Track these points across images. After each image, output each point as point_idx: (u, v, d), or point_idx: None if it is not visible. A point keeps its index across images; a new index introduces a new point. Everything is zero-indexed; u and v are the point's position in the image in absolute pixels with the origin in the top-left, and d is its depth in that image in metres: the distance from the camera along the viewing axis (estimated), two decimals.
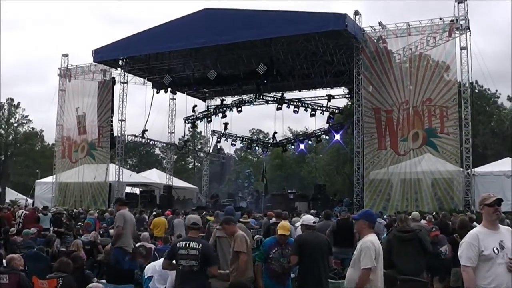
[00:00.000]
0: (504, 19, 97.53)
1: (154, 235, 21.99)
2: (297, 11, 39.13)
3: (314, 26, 36.00)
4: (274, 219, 19.27)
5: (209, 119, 54.92)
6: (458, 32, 33.83)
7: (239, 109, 51.67)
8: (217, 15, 39.19)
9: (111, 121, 45.65)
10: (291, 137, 64.87)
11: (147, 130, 48.15)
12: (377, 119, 36.00)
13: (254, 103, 52.25)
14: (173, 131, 54.04)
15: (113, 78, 46.14)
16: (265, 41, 38.65)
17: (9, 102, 79.62)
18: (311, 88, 49.54)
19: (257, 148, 69.53)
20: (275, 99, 50.34)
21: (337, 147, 58.91)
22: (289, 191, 48.47)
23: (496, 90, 62.27)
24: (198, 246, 9.64)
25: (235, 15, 39.29)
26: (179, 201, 47.25)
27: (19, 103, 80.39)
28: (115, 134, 45.82)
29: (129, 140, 49.81)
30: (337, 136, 50.16)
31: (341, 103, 51.20)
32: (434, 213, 25.91)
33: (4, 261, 12.22)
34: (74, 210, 35.96)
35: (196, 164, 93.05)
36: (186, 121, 54.18)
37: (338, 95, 49.17)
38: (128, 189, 50.42)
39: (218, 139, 57.17)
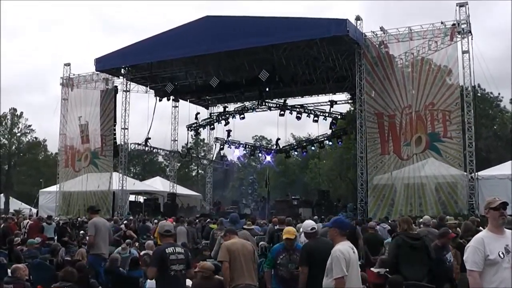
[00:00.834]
0: (506, 21, 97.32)
1: (158, 243, 21.95)
2: (299, 17, 39.28)
3: (316, 32, 36.02)
4: (277, 226, 19.25)
5: (212, 126, 54.93)
6: (459, 36, 33.80)
7: (242, 116, 51.71)
8: (219, 23, 39.19)
9: (114, 130, 45.67)
10: (294, 143, 64.89)
11: (150, 138, 48.18)
12: (380, 124, 35.99)
13: (256, 109, 52.28)
14: (176, 138, 54.03)
15: (115, 86, 46.21)
16: (267, 48, 38.62)
17: (12, 112, 79.75)
18: (313, 94, 49.52)
19: (260, 154, 69.48)
20: (278, 105, 50.35)
21: (341, 152, 58.92)
22: (292, 197, 48.40)
23: (499, 94, 62.27)
24: (182, 250, 10.01)
25: (237, 22, 39.32)
26: (183, 209, 47.25)
27: (22, 112, 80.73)
28: (118, 142, 45.88)
29: (132, 148, 49.83)
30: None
31: (344, 108, 51.32)
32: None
33: (9, 271, 12.24)
34: (78, 219, 35.93)
35: (200, 171, 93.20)
36: (189, 129, 54.21)
37: (340, 101, 49.23)
38: (132, 197, 50.48)
39: (221, 146, 57.19)
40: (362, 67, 36.39)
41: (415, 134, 34.45)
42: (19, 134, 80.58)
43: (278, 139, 56.86)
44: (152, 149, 51.90)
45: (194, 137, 57.84)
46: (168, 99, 47.89)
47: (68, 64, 48.30)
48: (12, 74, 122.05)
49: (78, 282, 10.90)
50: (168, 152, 55.43)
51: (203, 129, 55.56)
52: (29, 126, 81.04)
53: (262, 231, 21.35)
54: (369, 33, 36.65)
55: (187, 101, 52.14)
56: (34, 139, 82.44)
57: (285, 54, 39.02)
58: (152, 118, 45.86)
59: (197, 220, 28.80)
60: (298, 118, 49.18)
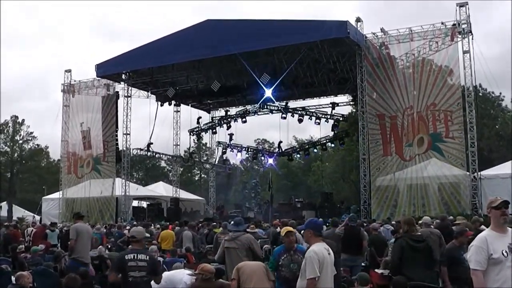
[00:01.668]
0: (506, 21, 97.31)
1: (162, 248, 21.97)
2: (299, 20, 39.23)
3: (317, 35, 36.02)
4: (278, 228, 19.29)
5: (214, 130, 54.87)
6: (460, 36, 33.78)
7: (244, 119, 51.70)
8: (219, 26, 39.17)
9: (116, 135, 45.71)
10: (297, 146, 64.91)
11: (152, 143, 48.14)
12: (382, 125, 35.98)
13: (258, 113, 52.29)
14: (178, 143, 54.01)
15: (117, 92, 46.18)
16: (268, 51, 38.68)
17: (14, 120, 79.77)
18: (315, 96, 49.43)
19: (263, 158, 69.50)
20: (279, 108, 50.34)
21: (343, 154, 58.91)
22: (296, 200, 48.46)
23: (500, 93, 62.37)
24: (146, 257, 9.90)
25: (237, 25, 39.33)
26: (187, 213, 47.18)
27: (23, 120, 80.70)
28: (120, 148, 45.89)
29: (135, 153, 49.85)
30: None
31: (346, 110, 51.29)
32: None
33: (13, 278, 12.23)
34: None
35: (203, 175, 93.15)
36: (191, 133, 54.30)
37: (342, 103, 49.19)
38: (135, 203, 50.46)
39: (224, 150, 57.18)
40: (363, 68, 36.36)
41: (417, 135, 34.44)
42: (21, 142, 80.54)
43: (280, 142, 56.90)
44: (154, 154, 51.91)
45: (196, 141, 58.05)
46: (170, 104, 48.03)
47: (69, 71, 48.23)
48: (12, 81, 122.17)
49: None
50: (170, 157, 55.44)
51: (205, 133, 55.50)
52: (31, 133, 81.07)
53: (266, 235, 21.36)
54: (370, 34, 36.65)
55: (188, 105, 52.27)
56: (36, 146, 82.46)
57: (286, 56, 39.01)
58: (154, 123, 45.91)
59: (200, 225, 28.77)
60: (300, 120, 49.18)
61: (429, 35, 34.64)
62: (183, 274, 11.76)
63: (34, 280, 13.13)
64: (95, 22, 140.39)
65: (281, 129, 51.94)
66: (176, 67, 43.21)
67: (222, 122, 53.48)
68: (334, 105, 47.64)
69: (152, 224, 32.07)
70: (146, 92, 48.17)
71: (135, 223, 34.29)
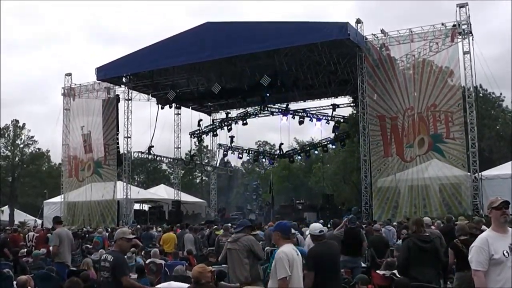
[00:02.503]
0: (506, 21, 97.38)
1: (164, 250, 21.97)
2: (300, 22, 39.32)
3: (317, 36, 36.04)
4: None
5: (215, 132, 54.95)
6: (460, 37, 33.80)
7: (245, 121, 51.73)
8: (219, 29, 39.21)
9: (117, 139, 45.68)
10: (298, 148, 64.92)
11: (153, 146, 48.20)
12: (382, 127, 35.99)
13: (259, 115, 52.31)
14: (179, 146, 54.04)
15: (117, 95, 46.20)
16: (268, 53, 38.67)
17: (14, 124, 79.72)
18: (315, 98, 49.45)
19: (264, 160, 69.49)
20: (280, 110, 50.34)
21: (344, 156, 58.87)
22: (297, 201, 48.50)
23: (501, 94, 62.25)
24: (110, 258, 9.86)
25: (237, 28, 39.39)
26: (188, 216, 47.21)
27: (24, 124, 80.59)
28: (121, 151, 45.87)
29: (136, 156, 49.91)
30: None
31: (346, 112, 51.27)
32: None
33: (14, 283, 12.24)
34: (84, 229, 35.93)
35: (204, 178, 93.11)
36: (192, 136, 54.30)
37: (343, 104, 49.23)
38: (137, 206, 50.50)
39: (225, 153, 57.16)
40: (363, 70, 36.39)
41: (417, 136, 34.45)
42: (22, 146, 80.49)
43: (281, 144, 56.87)
44: (155, 157, 51.94)
45: (197, 144, 57.83)
46: (170, 107, 48.03)
47: (69, 74, 48.23)
48: (13, 85, 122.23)
49: None
50: (171, 160, 55.41)
51: (206, 135, 55.62)
52: (32, 137, 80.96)
53: (264, 236, 21.33)
54: (370, 35, 36.70)
55: (189, 108, 52.28)
56: (37, 150, 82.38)
57: (286, 58, 39.03)
58: (154, 126, 46.03)
59: (201, 227, 28.78)
60: (301, 122, 49.23)
61: (429, 36, 34.68)
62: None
63: (36, 284, 13.14)
64: (94, 25, 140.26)
65: (282, 131, 52.00)
66: (177, 69, 43.16)
67: (223, 124, 53.55)
68: (334, 106, 47.62)
69: (154, 227, 32.11)
70: (146, 95, 48.23)
71: (138, 226, 34.32)
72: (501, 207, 6.91)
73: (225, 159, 61.55)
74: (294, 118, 49.52)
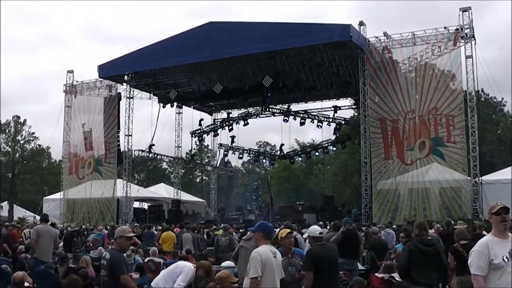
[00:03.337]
0: (507, 25, 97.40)
1: (163, 249, 21.97)
2: (302, 23, 39.27)
3: (319, 38, 36.04)
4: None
5: (216, 132, 54.97)
6: (463, 41, 33.80)
7: (246, 122, 51.72)
8: (222, 29, 39.19)
9: (118, 137, 45.71)
10: (298, 149, 64.90)
11: (154, 145, 48.15)
12: (383, 129, 35.98)
13: (260, 115, 52.28)
14: (180, 145, 54.09)
15: (119, 93, 46.19)
16: (270, 54, 38.69)
17: (15, 120, 79.66)
18: (317, 100, 49.56)
19: (264, 160, 69.45)
20: (282, 111, 50.32)
21: (345, 158, 58.86)
22: (297, 203, 48.51)
23: (502, 98, 62.16)
24: (108, 256, 9.87)
25: (240, 28, 39.38)
26: (188, 215, 47.17)
27: (25, 120, 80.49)
28: (122, 149, 45.81)
29: (136, 155, 49.79)
30: None
31: (348, 114, 51.27)
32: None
33: (12, 278, 12.24)
34: (83, 226, 35.89)
35: (204, 177, 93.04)
36: (193, 135, 54.26)
37: (344, 106, 49.25)
38: (136, 204, 50.45)
39: (225, 152, 57.15)
40: (365, 72, 36.38)
41: (418, 139, 34.45)
42: (22, 142, 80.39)
43: (282, 144, 56.73)
44: (156, 155, 51.89)
45: (198, 143, 57.77)
46: (172, 106, 47.93)
47: (71, 71, 48.23)
48: (14, 82, 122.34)
49: None
50: (172, 159, 55.36)
51: (207, 135, 55.57)
52: (33, 133, 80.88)
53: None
54: (373, 38, 36.69)
55: (190, 107, 52.23)
56: (37, 146, 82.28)
57: (288, 59, 39.06)
58: (155, 125, 46.00)
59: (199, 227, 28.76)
60: (302, 123, 49.22)
61: (432, 39, 34.68)
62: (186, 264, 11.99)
63: (35, 281, 13.13)
64: (94, 25, 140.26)
65: (283, 132, 51.94)
66: (179, 69, 43.18)
67: (224, 124, 53.55)
68: (336, 108, 47.68)
69: (154, 226, 32.12)
70: (148, 94, 48.17)
71: (136, 224, 34.29)
72: (501, 212, 6.90)
73: (226, 159, 61.56)
74: (295, 119, 49.52)
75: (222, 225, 25.01)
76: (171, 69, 43.00)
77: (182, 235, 23.18)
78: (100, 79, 45.64)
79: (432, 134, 34.20)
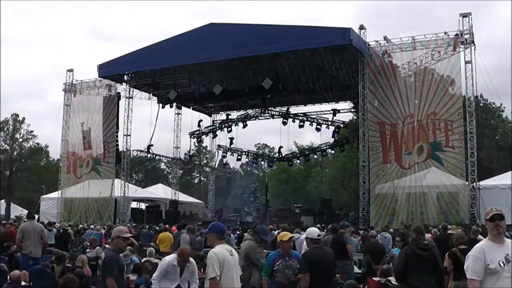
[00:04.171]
0: (507, 31, 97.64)
1: (160, 250, 21.96)
2: (303, 26, 39.19)
3: (320, 41, 36.06)
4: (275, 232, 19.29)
5: (215, 134, 54.92)
6: (462, 46, 33.81)
7: (245, 123, 51.73)
8: (222, 30, 39.20)
9: (117, 136, 45.70)
10: (297, 152, 64.95)
11: (152, 145, 48.13)
12: (382, 133, 36.01)
13: (259, 117, 52.26)
14: (178, 146, 54.03)
15: (118, 93, 46.18)
16: (271, 56, 38.68)
17: (14, 118, 79.64)
18: (316, 103, 49.50)
19: (262, 162, 69.51)
20: (281, 113, 50.33)
21: (343, 161, 58.91)
22: (295, 205, 48.54)
23: (501, 104, 62.39)
24: (103, 256, 9.90)
25: (240, 30, 39.41)
26: (185, 216, 47.14)
27: (24, 118, 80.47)
28: (120, 149, 45.83)
29: (135, 155, 49.82)
30: None
31: (347, 117, 51.29)
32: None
33: (8, 277, 12.25)
34: (80, 225, 35.86)
35: (202, 179, 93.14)
36: (192, 136, 54.26)
37: (343, 109, 49.17)
38: (134, 204, 50.43)
39: (224, 154, 57.17)
40: (365, 76, 36.38)
41: (417, 143, 34.47)
42: (21, 140, 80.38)
43: (281, 147, 56.78)
44: (154, 156, 51.88)
45: (196, 144, 57.72)
46: (171, 106, 47.91)
47: (71, 70, 48.23)
48: (13, 80, 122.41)
49: None
50: (170, 159, 55.39)
51: (206, 136, 55.54)
52: (31, 132, 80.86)
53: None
54: (373, 42, 36.73)
55: (190, 108, 52.28)
56: (36, 145, 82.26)
57: (288, 62, 39.06)
58: (154, 125, 45.93)
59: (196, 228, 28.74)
60: (301, 126, 49.28)
61: (432, 44, 34.68)
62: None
63: (31, 280, 13.14)
64: (94, 24, 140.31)
65: (281, 134, 51.94)
66: (178, 69, 43.17)
67: (223, 125, 53.57)
68: (335, 111, 47.67)
69: (149, 227, 32.10)
70: (147, 94, 48.22)
71: (134, 224, 34.29)
72: (494, 219, 6.93)
73: (224, 160, 61.60)
74: (294, 122, 49.50)
75: None
76: (171, 69, 42.99)
77: (180, 236, 23.19)
78: (100, 78, 45.61)
79: (430, 139, 34.21)
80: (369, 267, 16.87)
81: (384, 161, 35.71)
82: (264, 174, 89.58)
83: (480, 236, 15.17)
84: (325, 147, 53.15)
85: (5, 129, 79.14)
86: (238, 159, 58.61)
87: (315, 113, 49.73)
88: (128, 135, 45.35)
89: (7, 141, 79.75)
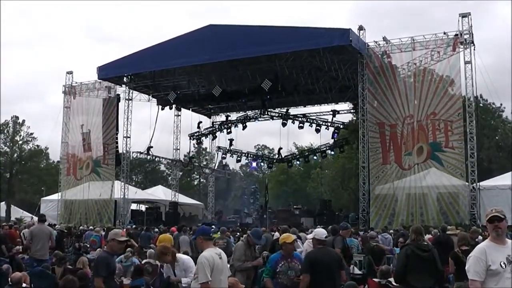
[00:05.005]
0: (507, 31, 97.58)
1: None
2: (302, 27, 39.19)
3: (319, 42, 36.06)
4: (277, 234, 19.29)
5: (214, 135, 54.90)
6: (462, 47, 33.81)
7: (244, 125, 51.75)
8: (222, 32, 39.24)
9: (116, 138, 45.69)
10: (297, 153, 64.94)
11: (152, 147, 48.09)
12: (382, 134, 36.01)
13: (259, 119, 52.25)
14: (178, 147, 53.94)
15: (118, 95, 46.20)
16: (270, 57, 38.68)
17: (14, 120, 79.55)
18: (316, 104, 49.46)
19: (262, 164, 69.50)
20: (280, 114, 50.32)
21: (343, 162, 58.89)
22: (294, 206, 48.49)
23: (501, 104, 62.39)
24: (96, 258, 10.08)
25: (240, 31, 39.42)
26: (185, 218, 47.09)
27: (23, 120, 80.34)
28: (120, 151, 45.81)
29: (134, 157, 49.86)
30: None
31: (346, 118, 51.30)
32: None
33: (9, 279, 12.26)
34: (80, 227, 35.86)
35: (202, 180, 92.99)
36: (191, 138, 54.23)
37: (343, 110, 49.26)
38: (134, 206, 50.40)
39: (223, 155, 57.16)
40: (364, 77, 36.38)
41: (416, 144, 34.46)
42: (20, 142, 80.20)
43: (280, 148, 56.77)
44: (154, 157, 51.79)
45: (196, 146, 57.76)
46: (171, 108, 47.98)
47: (70, 72, 48.28)
48: (13, 82, 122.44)
49: None
50: (170, 161, 55.29)
51: (205, 138, 55.56)
52: (31, 134, 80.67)
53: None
54: (372, 43, 36.72)
55: (189, 110, 52.30)
56: (36, 147, 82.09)
57: (287, 63, 39.08)
58: (154, 127, 45.92)
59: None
60: (301, 127, 49.27)
61: (431, 45, 34.69)
62: None
63: (32, 282, 13.14)
64: (95, 25, 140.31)
65: (281, 135, 51.90)
66: (178, 71, 43.17)
67: (223, 127, 53.59)
68: (335, 112, 47.68)
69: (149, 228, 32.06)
70: (147, 96, 48.20)
71: (134, 226, 34.27)
72: (493, 220, 6.92)
73: (224, 162, 61.60)
74: (293, 123, 49.47)
75: (221, 228, 25.02)
76: (171, 71, 43.02)
77: (179, 238, 23.18)
78: (99, 80, 45.62)
79: (430, 139, 34.21)
80: (369, 268, 16.86)
81: (383, 162, 35.71)
82: (264, 176, 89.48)
83: (480, 237, 15.17)
84: (324, 148, 53.14)
85: (5, 131, 79.00)
86: (238, 161, 58.60)
87: (315, 114, 49.74)
88: (128, 137, 45.43)
89: (7, 143, 79.55)
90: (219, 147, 57.01)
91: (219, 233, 22.59)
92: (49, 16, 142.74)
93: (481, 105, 55.59)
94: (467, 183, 33.01)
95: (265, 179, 65.77)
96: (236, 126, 52.61)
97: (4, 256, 18.95)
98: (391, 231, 27.16)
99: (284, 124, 48.97)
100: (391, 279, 12.82)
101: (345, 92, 43.87)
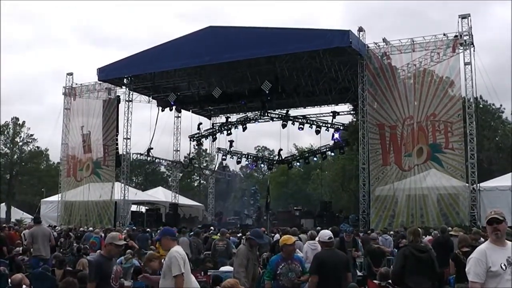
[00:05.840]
0: (507, 33, 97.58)
1: (160, 253, 21.92)
2: (301, 28, 39.22)
3: (319, 43, 36.05)
4: (277, 236, 19.29)
5: (214, 136, 54.87)
6: (462, 48, 33.82)
7: (244, 126, 51.72)
8: (222, 33, 39.26)
9: (116, 140, 45.66)
10: (297, 154, 64.92)
11: (152, 148, 48.07)
12: (382, 135, 36.01)
13: (259, 120, 52.25)
14: (178, 149, 53.86)
15: (118, 96, 46.18)
16: (270, 59, 38.72)
17: (14, 121, 79.52)
18: (316, 105, 49.46)
19: (262, 165, 69.49)
20: (280, 116, 50.29)
21: (343, 163, 58.87)
22: (294, 208, 48.45)
23: (501, 105, 62.25)
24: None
25: (240, 33, 39.39)
26: (185, 219, 47.11)
27: (24, 122, 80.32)
28: (120, 152, 45.76)
29: (135, 158, 49.92)
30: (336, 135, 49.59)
31: (346, 119, 51.30)
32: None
33: (9, 280, 12.27)
34: (80, 229, 35.84)
35: (202, 181, 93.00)
36: (191, 139, 54.26)
37: (343, 112, 49.31)
38: (134, 207, 50.34)
39: (224, 157, 57.15)
40: (364, 78, 36.39)
41: (416, 145, 34.46)
42: (21, 144, 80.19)
43: (280, 149, 56.77)
44: (154, 159, 51.74)
45: (196, 147, 57.90)
46: (171, 109, 47.94)
47: (70, 74, 48.32)
48: (13, 84, 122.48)
49: None
50: (170, 162, 55.26)
51: (206, 139, 55.53)
52: (31, 135, 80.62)
53: None
54: (372, 44, 36.72)
55: (189, 111, 52.28)
56: (36, 148, 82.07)
57: (287, 65, 39.07)
58: (154, 128, 45.89)
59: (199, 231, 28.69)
60: (301, 129, 49.27)
61: (431, 46, 34.70)
62: None
63: (32, 283, 13.13)
64: (95, 26, 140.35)
65: (281, 137, 51.88)
66: (178, 72, 43.24)
67: (223, 128, 53.57)
68: (335, 114, 47.68)
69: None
70: (147, 97, 48.25)
71: (134, 227, 34.24)
72: (492, 222, 6.90)
73: (224, 163, 61.54)
74: (293, 125, 49.48)
75: (221, 229, 24.96)
76: (171, 72, 43.08)
77: (179, 239, 23.14)
78: (99, 82, 45.61)
79: (430, 141, 34.21)
80: (369, 269, 16.86)
81: (384, 163, 35.71)
82: (264, 177, 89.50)
83: (481, 239, 15.16)
84: (324, 150, 53.14)
85: (5, 132, 78.99)
86: (238, 162, 58.57)
87: (315, 116, 49.75)
88: (128, 138, 45.32)
89: (7, 145, 79.54)
90: (219, 149, 57.01)
91: (218, 234, 22.54)
92: (49, 18, 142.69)
93: (481, 106, 55.51)
94: (467, 184, 33.00)
95: (265, 181, 65.86)
96: (236, 127, 52.63)
97: (4, 257, 18.98)
98: (391, 232, 27.14)
99: (284, 126, 48.93)
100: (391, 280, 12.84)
101: (345, 94, 43.90)
